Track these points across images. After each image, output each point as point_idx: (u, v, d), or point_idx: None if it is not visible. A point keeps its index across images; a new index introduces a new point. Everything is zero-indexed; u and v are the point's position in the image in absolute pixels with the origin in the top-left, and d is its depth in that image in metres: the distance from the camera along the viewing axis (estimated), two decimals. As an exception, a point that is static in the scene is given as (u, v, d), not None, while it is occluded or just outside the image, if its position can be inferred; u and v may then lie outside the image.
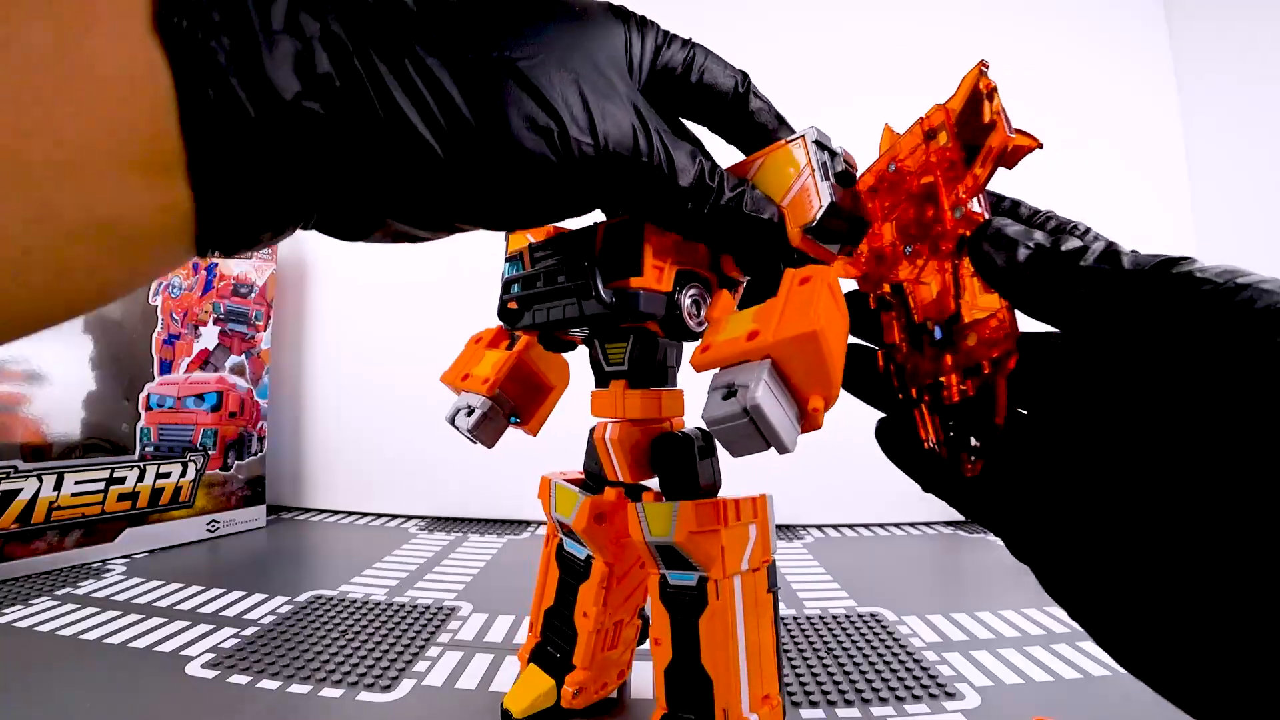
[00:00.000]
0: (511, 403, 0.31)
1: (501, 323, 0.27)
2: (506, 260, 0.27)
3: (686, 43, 0.22)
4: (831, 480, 0.68)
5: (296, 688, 0.32)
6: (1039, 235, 0.17)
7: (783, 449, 0.19)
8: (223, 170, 0.13)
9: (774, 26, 0.73)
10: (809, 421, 0.19)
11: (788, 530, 0.65)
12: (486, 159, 0.16)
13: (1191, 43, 0.76)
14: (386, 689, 0.32)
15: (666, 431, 0.27)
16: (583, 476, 0.30)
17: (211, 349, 0.61)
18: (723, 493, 0.26)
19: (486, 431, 0.30)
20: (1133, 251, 0.15)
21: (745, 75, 0.24)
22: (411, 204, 0.17)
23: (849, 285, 0.22)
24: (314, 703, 0.31)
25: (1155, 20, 0.78)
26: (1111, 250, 0.15)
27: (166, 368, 0.57)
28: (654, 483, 0.27)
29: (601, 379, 0.28)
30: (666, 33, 0.22)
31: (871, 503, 0.68)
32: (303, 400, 0.73)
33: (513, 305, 0.26)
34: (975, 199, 0.18)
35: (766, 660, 0.25)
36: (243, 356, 0.63)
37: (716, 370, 0.20)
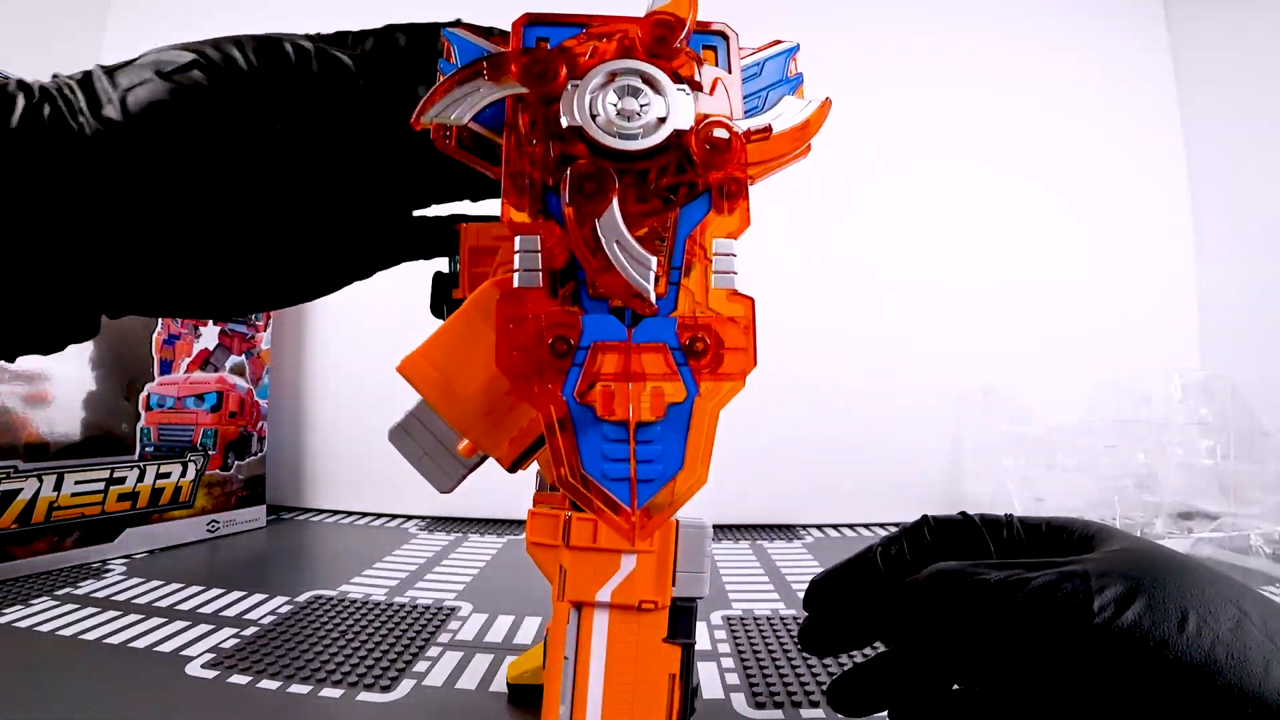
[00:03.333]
0: None
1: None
2: None
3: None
4: (831, 480, 0.68)
5: (296, 688, 0.32)
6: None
7: (438, 489, 0.17)
8: None
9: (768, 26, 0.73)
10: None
11: (788, 530, 0.65)
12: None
13: (1191, 42, 0.76)
14: (386, 689, 0.32)
15: None
16: None
17: (211, 349, 0.61)
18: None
19: None
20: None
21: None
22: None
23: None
24: (314, 703, 0.31)
25: (1155, 19, 0.78)
26: None
27: (166, 368, 0.57)
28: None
29: None
30: None
31: (871, 503, 0.68)
32: (303, 400, 0.73)
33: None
34: None
35: None
36: (243, 356, 0.63)
37: None
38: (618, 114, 0.17)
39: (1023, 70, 0.75)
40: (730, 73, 0.19)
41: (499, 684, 0.32)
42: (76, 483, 0.50)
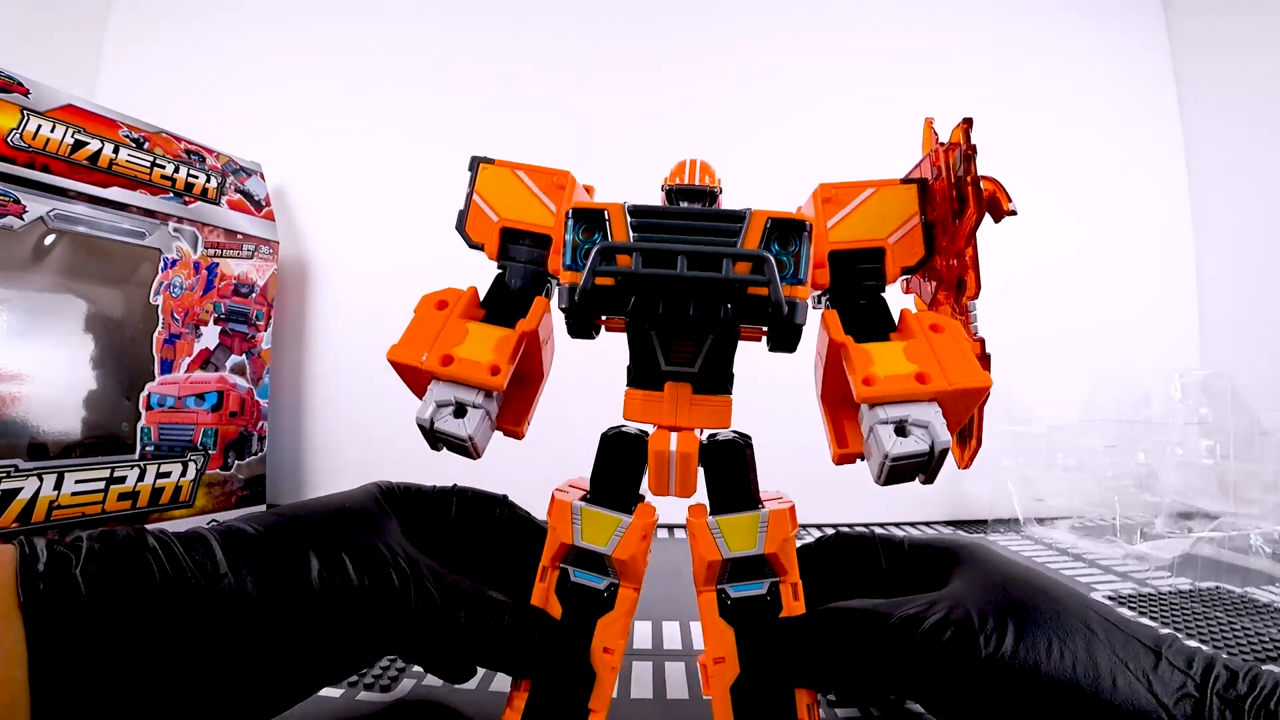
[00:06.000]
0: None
1: (570, 304, 0.22)
2: (571, 219, 0.23)
3: None
4: (831, 480, 0.68)
5: (297, 687, 0.32)
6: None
7: (932, 481, 0.21)
8: None
9: (769, 27, 0.73)
10: None
11: (788, 530, 0.65)
12: None
13: (1191, 42, 0.76)
14: (386, 689, 0.32)
15: (716, 439, 0.25)
16: (587, 489, 0.26)
17: (212, 349, 0.61)
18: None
19: (484, 437, 0.24)
20: None
21: None
22: None
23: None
24: (314, 703, 0.30)
25: (1155, 19, 0.78)
26: None
27: (167, 367, 0.57)
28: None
29: (652, 379, 0.24)
30: None
31: (872, 503, 0.68)
32: (303, 400, 0.73)
33: (607, 281, 0.22)
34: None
35: None
36: (243, 356, 0.63)
37: (876, 405, 0.21)
38: None
39: (1022, 69, 0.75)
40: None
41: (500, 683, 0.32)
42: (77, 482, 0.50)
